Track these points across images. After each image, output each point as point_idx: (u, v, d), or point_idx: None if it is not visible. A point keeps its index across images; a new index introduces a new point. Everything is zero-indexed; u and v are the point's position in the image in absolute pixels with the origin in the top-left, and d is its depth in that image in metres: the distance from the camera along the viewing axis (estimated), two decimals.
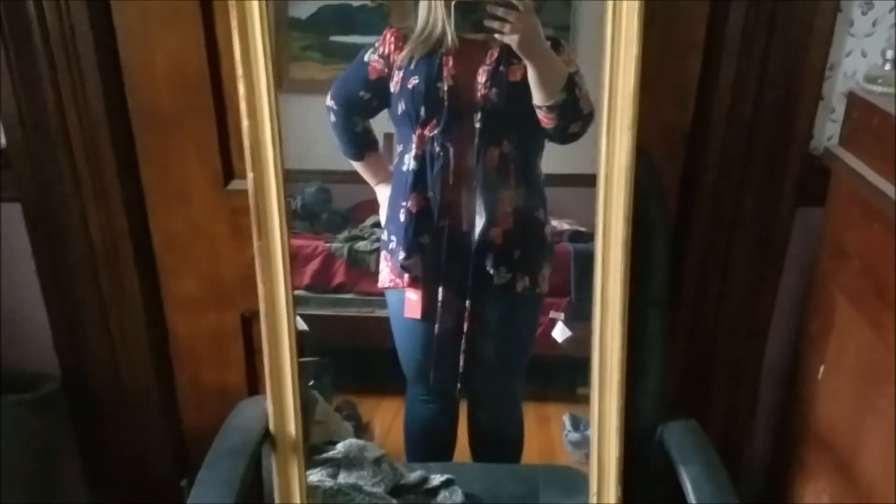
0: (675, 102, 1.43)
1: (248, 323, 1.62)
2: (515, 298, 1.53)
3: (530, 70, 1.32)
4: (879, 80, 1.34)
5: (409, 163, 1.46)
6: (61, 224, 1.54)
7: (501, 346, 1.60)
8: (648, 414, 1.30)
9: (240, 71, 1.07)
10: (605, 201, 1.15)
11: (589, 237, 1.18)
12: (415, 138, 1.45)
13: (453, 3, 1.28)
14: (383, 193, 1.58)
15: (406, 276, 1.53)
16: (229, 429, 1.24)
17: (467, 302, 1.52)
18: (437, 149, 1.44)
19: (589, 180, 1.15)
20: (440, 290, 1.52)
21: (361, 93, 1.49)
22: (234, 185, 1.52)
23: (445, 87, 1.41)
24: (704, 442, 1.23)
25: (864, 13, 1.37)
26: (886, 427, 1.27)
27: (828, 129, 1.45)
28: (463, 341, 1.55)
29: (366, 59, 1.47)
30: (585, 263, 1.19)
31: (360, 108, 1.51)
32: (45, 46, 1.41)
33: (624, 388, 1.19)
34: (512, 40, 1.28)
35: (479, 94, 1.41)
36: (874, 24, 1.37)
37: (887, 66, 1.34)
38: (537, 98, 1.35)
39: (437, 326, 1.55)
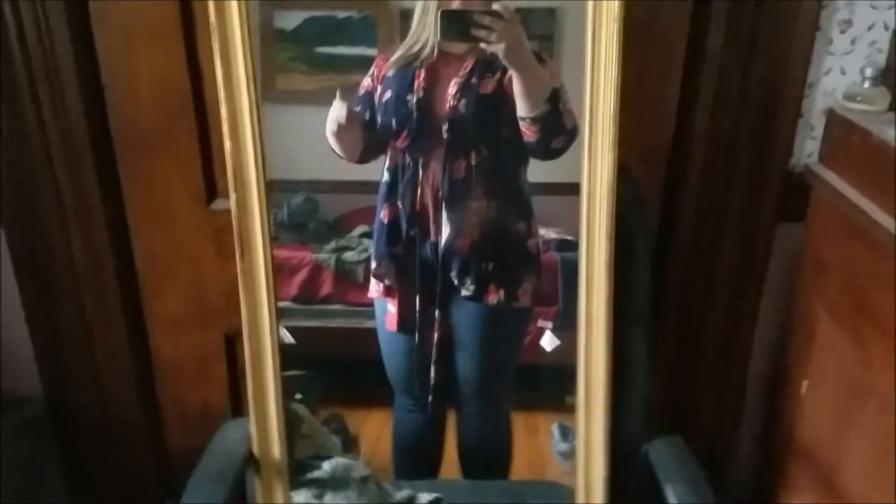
0: (657, 121, 1.44)
1: (232, 342, 1.62)
2: (489, 311, 1.54)
3: (515, 80, 1.33)
4: (859, 98, 1.35)
5: (384, 174, 1.48)
6: (44, 245, 1.53)
7: (478, 359, 1.60)
8: (633, 431, 1.30)
9: (222, 94, 1.07)
10: (588, 218, 1.16)
11: (577, 246, 1.19)
12: (389, 150, 1.47)
13: (440, 11, 1.29)
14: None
15: (381, 285, 1.55)
16: (212, 452, 1.23)
17: (436, 313, 1.53)
18: (407, 160, 1.46)
19: (576, 189, 1.16)
20: (412, 301, 1.54)
21: (357, 107, 1.51)
22: (218, 203, 1.51)
23: (414, 100, 1.42)
24: (689, 459, 1.24)
25: (842, 31, 1.38)
26: (868, 442, 1.28)
27: (807, 147, 1.46)
28: (434, 352, 1.56)
29: (361, 82, 1.50)
30: (573, 272, 1.19)
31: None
32: (26, 67, 1.40)
33: (610, 406, 1.20)
34: (498, 49, 1.29)
35: (447, 106, 1.42)
36: (853, 42, 1.39)
37: (866, 84, 1.35)
38: (521, 109, 1.36)
39: (416, 338, 1.56)
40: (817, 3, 1.34)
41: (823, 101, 1.42)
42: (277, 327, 1.18)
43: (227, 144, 1.09)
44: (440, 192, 1.46)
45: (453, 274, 1.50)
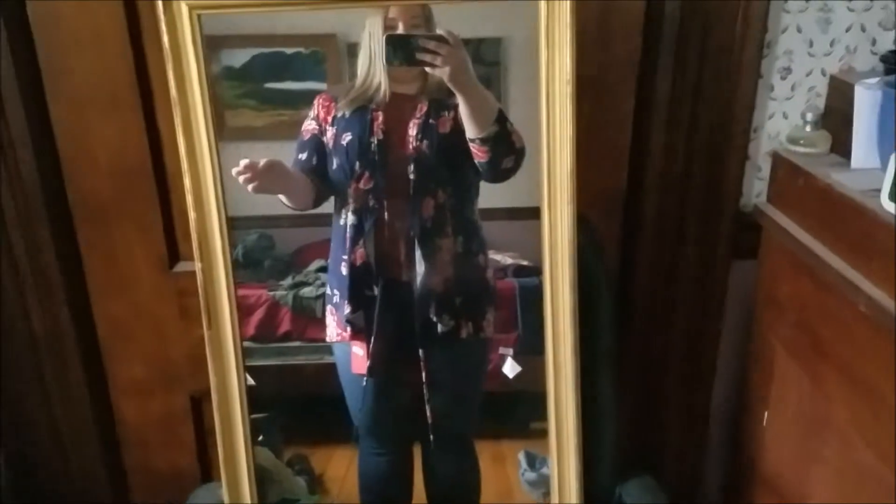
0: (611, 169, 1.48)
1: (198, 404, 1.59)
2: (461, 345, 1.54)
3: (462, 102, 1.35)
4: (801, 141, 1.41)
5: (348, 217, 1.48)
6: (1, 317, 1.49)
7: (451, 394, 1.60)
8: (606, 471, 1.32)
9: (185, 165, 1.08)
10: (552, 269, 1.19)
11: (533, 271, 1.21)
12: (351, 192, 1.47)
13: (385, 36, 1.31)
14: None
15: (349, 329, 1.54)
16: None
17: (417, 352, 1.53)
18: (372, 202, 1.46)
19: (528, 213, 1.18)
20: (385, 343, 1.53)
21: (300, 155, 1.50)
22: (181, 266, 1.50)
23: (376, 141, 1.44)
24: (661, 499, 1.26)
25: (783, 78, 1.45)
26: (831, 475, 1.31)
27: (756, 187, 1.52)
28: (413, 393, 1.56)
29: (303, 126, 1.50)
30: (531, 297, 1.21)
31: (302, 169, 1.52)
32: None
33: (580, 435, 1.21)
34: (444, 73, 1.31)
35: (411, 147, 1.44)
36: (793, 89, 1.45)
37: (808, 128, 1.41)
38: (470, 131, 1.38)
39: (385, 380, 1.56)
40: (758, 53, 1.40)
41: (769, 144, 1.48)
42: (246, 391, 1.18)
43: (192, 215, 1.09)
44: (411, 232, 1.47)
45: (431, 312, 1.50)
